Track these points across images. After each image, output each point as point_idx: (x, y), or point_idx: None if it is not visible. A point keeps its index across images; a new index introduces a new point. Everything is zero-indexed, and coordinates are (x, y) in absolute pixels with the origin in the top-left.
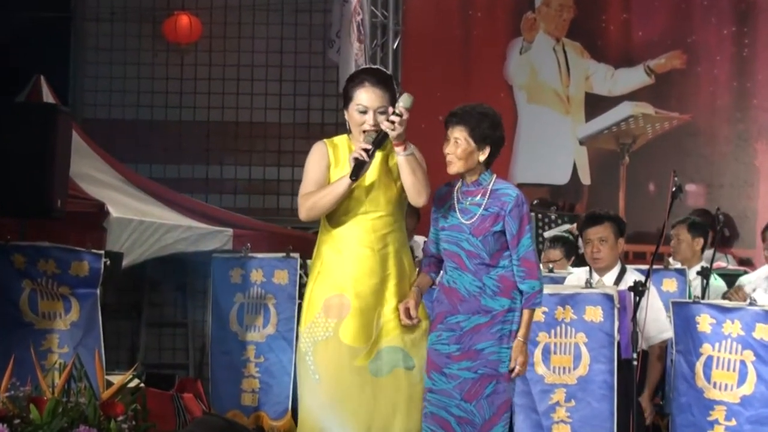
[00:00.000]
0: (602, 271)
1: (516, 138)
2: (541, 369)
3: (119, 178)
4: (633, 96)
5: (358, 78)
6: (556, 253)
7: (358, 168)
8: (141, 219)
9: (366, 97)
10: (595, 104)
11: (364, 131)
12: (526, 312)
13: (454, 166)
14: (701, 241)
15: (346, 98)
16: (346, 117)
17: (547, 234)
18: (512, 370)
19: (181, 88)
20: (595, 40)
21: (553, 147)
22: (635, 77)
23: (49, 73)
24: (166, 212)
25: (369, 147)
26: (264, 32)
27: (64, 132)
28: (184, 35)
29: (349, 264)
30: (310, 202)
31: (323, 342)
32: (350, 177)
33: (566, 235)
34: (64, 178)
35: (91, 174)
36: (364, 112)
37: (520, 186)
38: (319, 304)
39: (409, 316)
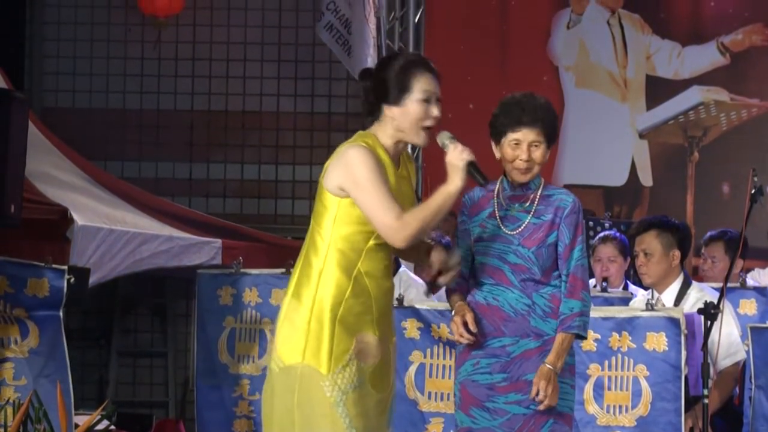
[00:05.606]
0: (658, 288)
1: (563, 130)
2: (592, 408)
3: (85, 178)
4: (704, 79)
5: (410, 62)
6: (608, 250)
7: (478, 170)
8: (111, 227)
9: (430, 81)
10: (658, 89)
11: (427, 128)
12: (559, 336)
13: (530, 175)
14: None
15: (400, 90)
16: (389, 114)
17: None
18: (538, 402)
19: (159, 70)
20: (658, 12)
21: (607, 141)
22: (706, 56)
23: None
24: (142, 219)
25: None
26: (259, 2)
27: (19, 123)
28: (163, 6)
29: (378, 299)
30: (419, 223)
31: (358, 390)
32: (482, 183)
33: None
34: (18, 179)
35: (52, 173)
36: (428, 101)
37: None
38: (348, 343)
39: (469, 332)
